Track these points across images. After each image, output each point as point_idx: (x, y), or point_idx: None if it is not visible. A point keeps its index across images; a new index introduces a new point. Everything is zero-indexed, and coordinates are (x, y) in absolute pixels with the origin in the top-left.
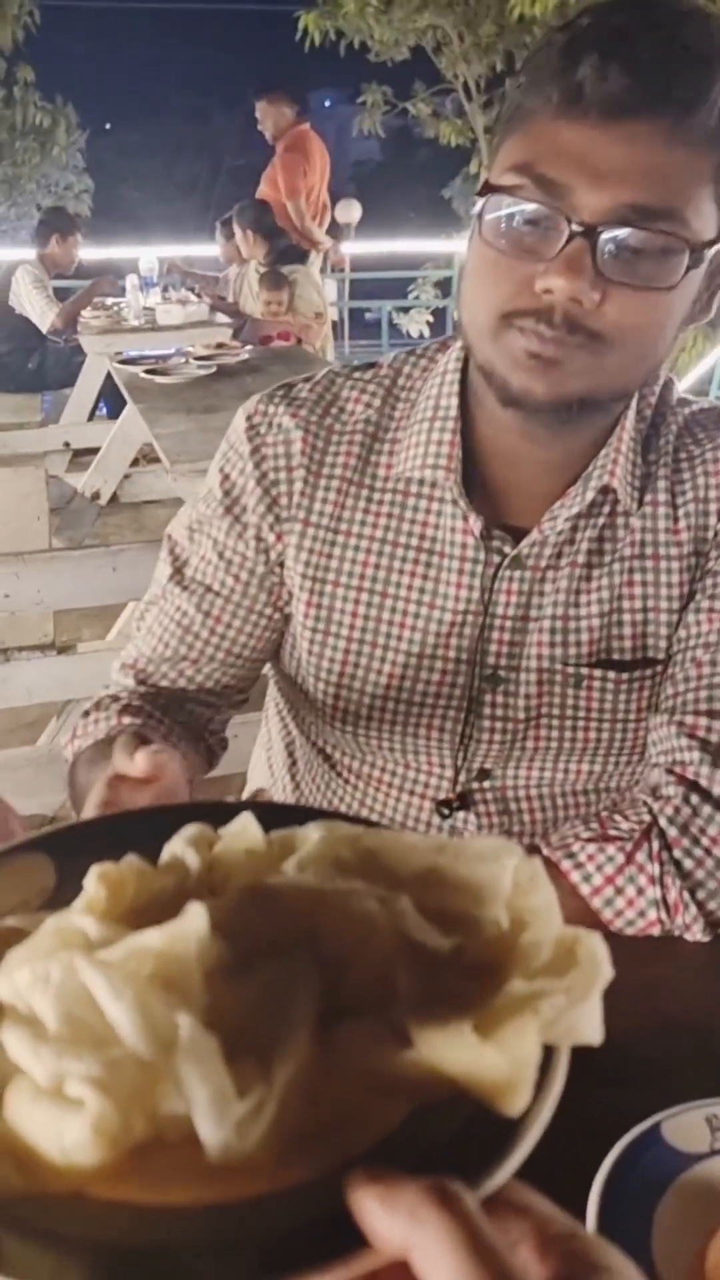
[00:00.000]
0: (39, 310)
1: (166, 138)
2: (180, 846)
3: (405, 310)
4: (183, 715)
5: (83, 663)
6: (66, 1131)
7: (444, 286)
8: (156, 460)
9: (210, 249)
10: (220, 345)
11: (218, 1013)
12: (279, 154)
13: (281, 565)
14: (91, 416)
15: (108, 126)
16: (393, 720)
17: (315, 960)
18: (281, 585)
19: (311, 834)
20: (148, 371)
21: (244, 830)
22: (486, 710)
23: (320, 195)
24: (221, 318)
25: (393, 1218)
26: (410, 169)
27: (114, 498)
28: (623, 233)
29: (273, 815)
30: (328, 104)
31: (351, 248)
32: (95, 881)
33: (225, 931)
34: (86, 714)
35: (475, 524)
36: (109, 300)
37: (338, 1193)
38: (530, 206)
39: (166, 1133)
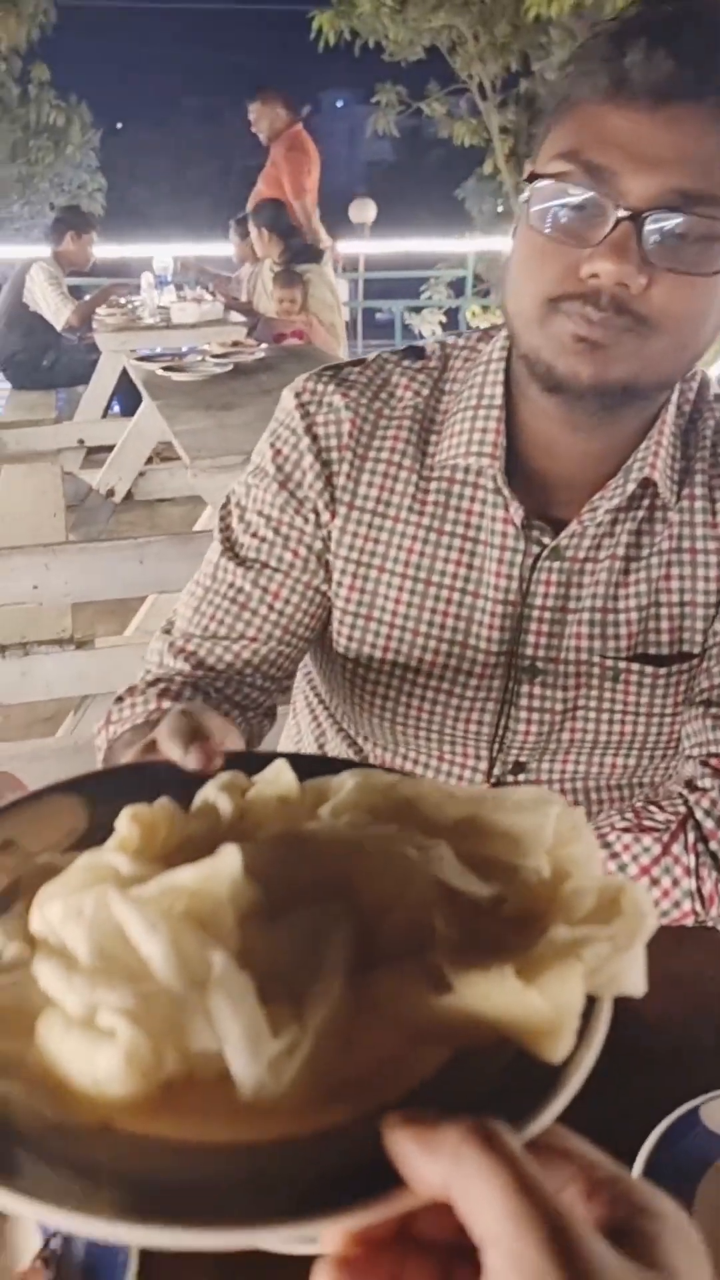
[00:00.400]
0: (54, 307)
1: (178, 138)
2: (213, 792)
3: (417, 310)
4: (238, 696)
5: (101, 658)
6: (98, 1061)
7: (457, 287)
8: (170, 458)
9: (222, 248)
10: (236, 344)
11: (250, 955)
12: (281, 154)
13: (328, 543)
14: (105, 414)
15: (119, 126)
16: (430, 710)
17: (351, 906)
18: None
19: (346, 782)
20: (165, 369)
21: (277, 777)
22: (523, 702)
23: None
24: (236, 316)
25: (433, 1160)
26: (423, 170)
27: (129, 495)
28: (669, 217)
29: (306, 765)
30: (340, 105)
31: (365, 247)
32: (128, 821)
33: (259, 876)
34: (120, 700)
35: (516, 513)
36: (124, 298)
37: (375, 1136)
38: (577, 192)
39: (199, 1070)
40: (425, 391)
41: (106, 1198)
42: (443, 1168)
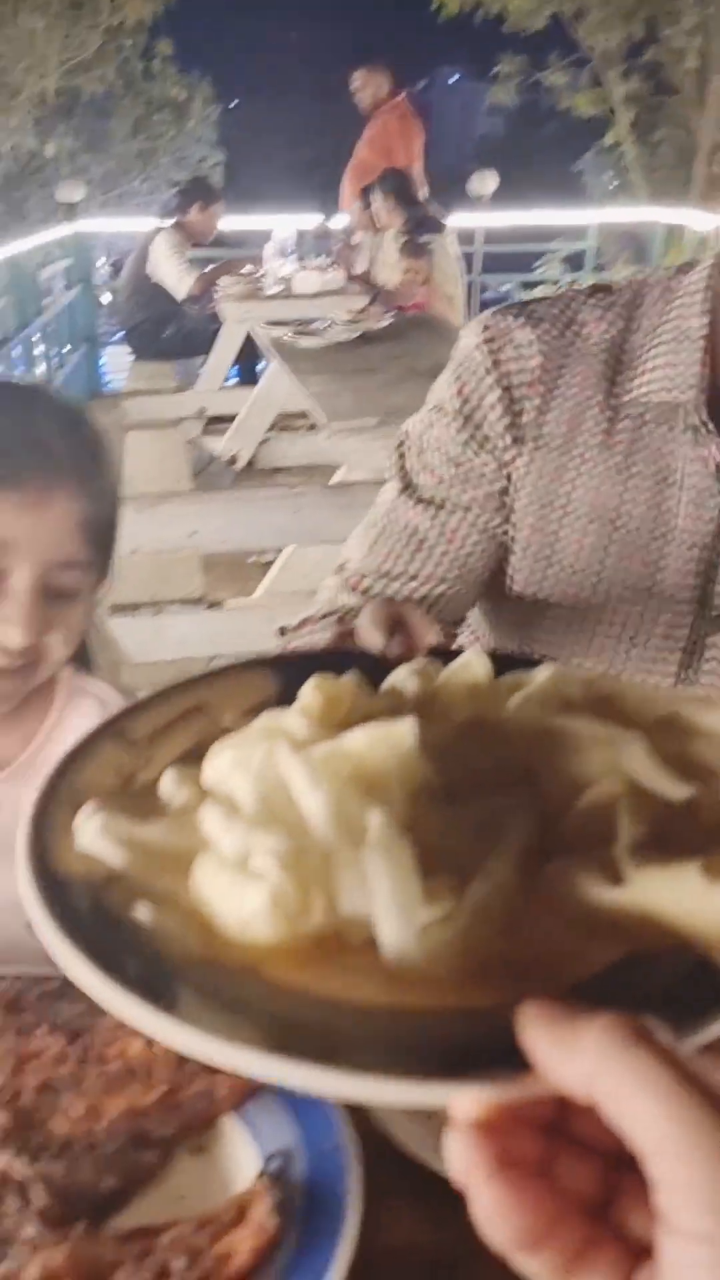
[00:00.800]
0: (176, 277)
1: (295, 112)
2: (403, 675)
3: (531, 286)
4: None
5: (232, 619)
6: (246, 901)
7: (574, 261)
8: (290, 428)
9: (340, 220)
10: (361, 312)
11: (418, 827)
12: (393, 122)
13: (509, 483)
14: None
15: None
16: (610, 661)
17: (533, 796)
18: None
19: (540, 673)
20: (295, 333)
21: (469, 665)
22: (711, 653)
23: None
24: (357, 286)
25: (571, 1056)
26: (536, 145)
27: (250, 463)
28: None
29: (502, 663)
30: (452, 80)
31: (484, 220)
32: (312, 690)
33: (438, 755)
34: (282, 631)
35: (716, 453)
36: (246, 269)
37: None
38: None
39: (348, 931)
40: (616, 326)
41: (247, 1032)
42: (585, 1066)
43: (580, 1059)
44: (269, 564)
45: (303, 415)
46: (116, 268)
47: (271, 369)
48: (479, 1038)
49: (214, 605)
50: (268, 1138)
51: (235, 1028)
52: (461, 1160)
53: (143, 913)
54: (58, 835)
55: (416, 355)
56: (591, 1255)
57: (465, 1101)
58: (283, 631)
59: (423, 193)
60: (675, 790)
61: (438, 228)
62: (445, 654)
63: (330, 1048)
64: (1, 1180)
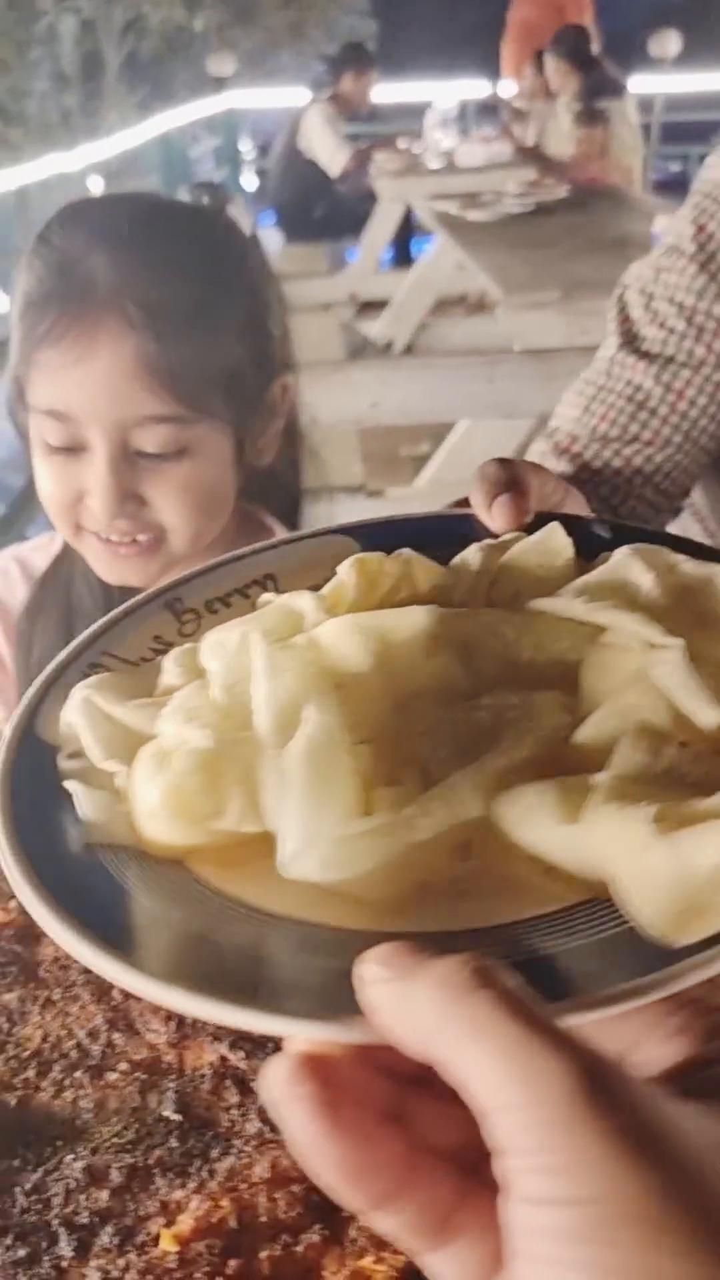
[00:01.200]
0: (329, 151)
1: None
2: (472, 551)
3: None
4: (623, 509)
5: (392, 509)
6: (149, 793)
7: None
8: (446, 313)
9: (505, 89)
10: (534, 183)
11: (392, 731)
12: None
13: None
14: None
15: None
16: None
17: (556, 706)
18: None
19: (616, 556)
20: (462, 207)
21: (544, 540)
22: None
23: None
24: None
25: (411, 1010)
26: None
27: (408, 349)
28: None
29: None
30: None
31: (666, 85)
32: (349, 568)
33: (462, 649)
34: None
35: None
36: (404, 143)
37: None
38: None
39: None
40: None
41: (123, 924)
42: (422, 1021)
43: (418, 1012)
44: (424, 457)
45: (462, 299)
46: (263, 149)
47: (431, 248)
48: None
49: (374, 494)
50: None
51: (117, 922)
52: (275, 1090)
53: (73, 789)
54: (58, 698)
55: (601, 227)
56: (463, 1214)
57: (302, 1040)
58: None
59: (596, 48)
60: (705, 714)
61: (618, 91)
62: (580, 527)
63: (191, 956)
64: (220, 1073)
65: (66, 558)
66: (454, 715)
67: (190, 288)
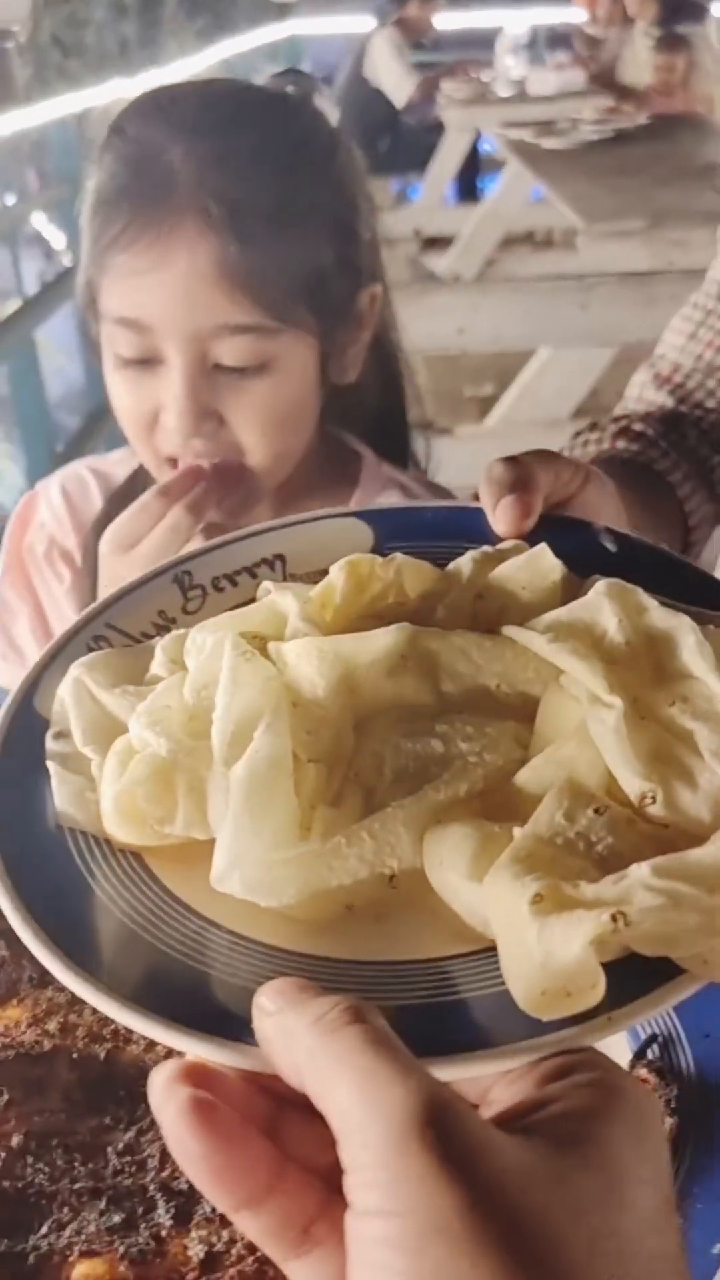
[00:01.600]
0: (395, 80)
1: None
2: (465, 559)
3: None
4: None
5: (460, 449)
6: (106, 792)
7: None
8: (512, 250)
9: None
10: (611, 110)
11: (349, 755)
12: None
13: None
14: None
15: None
16: None
17: (512, 740)
18: None
19: (591, 593)
20: (537, 135)
21: (533, 560)
22: None
23: None
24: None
25: (293, 1044)
26: None
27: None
28: None
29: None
30: None
31: None
32: (340, 570)
33: (432, 672)
34: (578, 434)
35: None
36: (474, 72)
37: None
38: None
39: None
40: None
41: (71, 910)
42: (300, 1056)
43: (295, 1046)
44: (489, 398)
45: (529, 236)
46: (326, 80)
47: (502, 180)
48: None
49: (443, 432)
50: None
51: (70, 924)
52: (156, 1088)
53: (52, 771)
54: (60, 670)
55: (686, 155)
56: (324, 1226)
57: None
58: (578, 434)
59: None
60: (633, 783)
61: (699, 14)
62: (591, 532)
63: (124, 961)
64: None
65: (144, 475)
66: (408, 739)
67: (275, 184)
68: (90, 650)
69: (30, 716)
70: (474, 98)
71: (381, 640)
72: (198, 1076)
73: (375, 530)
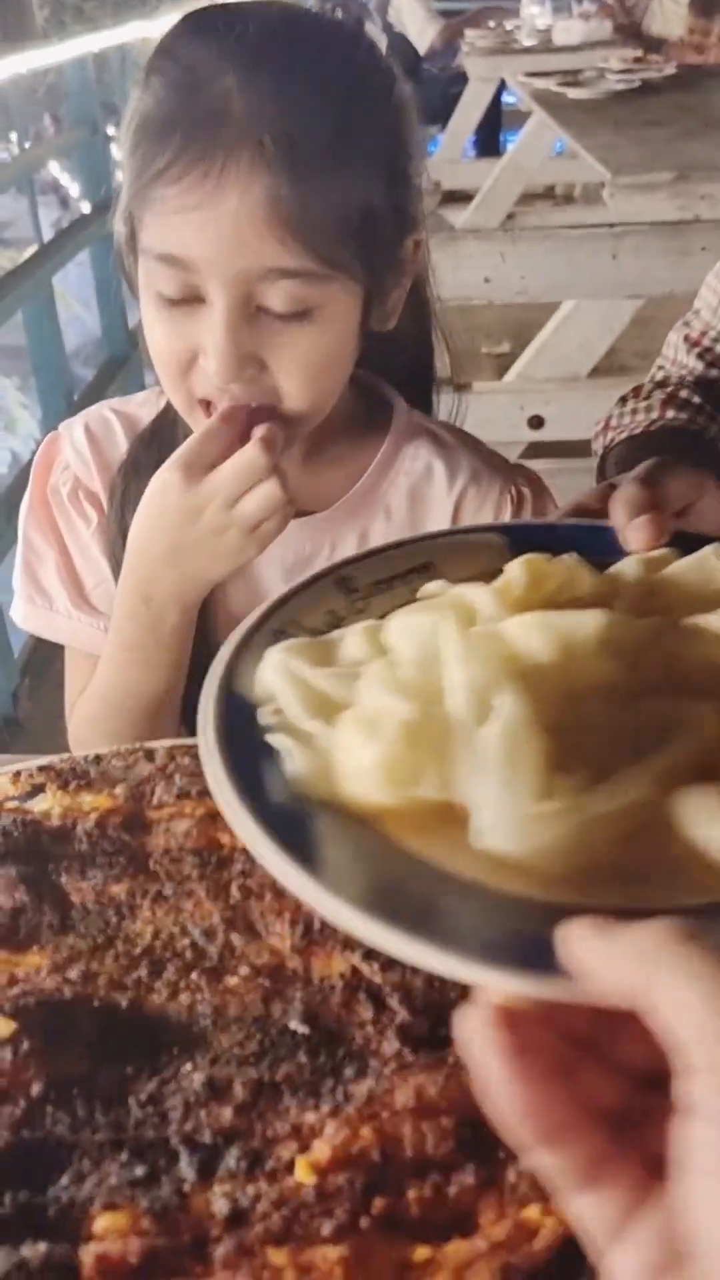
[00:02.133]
0: (419, 26)
1: None
2: (629, 562)
3: None
4: None
5: (478, 404)
6: (360, 758)
7: None
8: (533, 206)
9: None
10: (638, 60)
11: (569, 723)
12: None
13: None
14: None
15: None
16: None
17: (716, 713)
18: None
19: None
20: (561, 84)
21: (702, 561)
22: None
23: None
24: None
25: (616, 963)
26: None
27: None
28: None
29: None
30: None
31: None
32: (519, 567)
33: (628, 655)
34: (624, 400)
35: None
36: (497, 21)
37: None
38: None
39: (464, 809)
40: None
41: (349, 884)
42: (627, 972)
43: (623, 965)
44: (506, 356)
45: (549, 191)
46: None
47: (525, 132)
48: (539, 931)
49: (461, 388)
50: None
51: (342, 876)
52: (469, 1031)
53: (280, 744)
54: (251, 661)
55: (716, 106)
56: (611, 1166)
57: (498, 988)
58: (623, 401)
59: None
60: None
61: None
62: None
63: (398, 909)
64: (352, 984)
65: (170, 418)
66: (621, 714)
67: (334, 120)
68: (277, 641)
69: (234, 699)
70: (497, 46)
71: (594, 619)
72: (505, 1018)
73: (509, 542)
